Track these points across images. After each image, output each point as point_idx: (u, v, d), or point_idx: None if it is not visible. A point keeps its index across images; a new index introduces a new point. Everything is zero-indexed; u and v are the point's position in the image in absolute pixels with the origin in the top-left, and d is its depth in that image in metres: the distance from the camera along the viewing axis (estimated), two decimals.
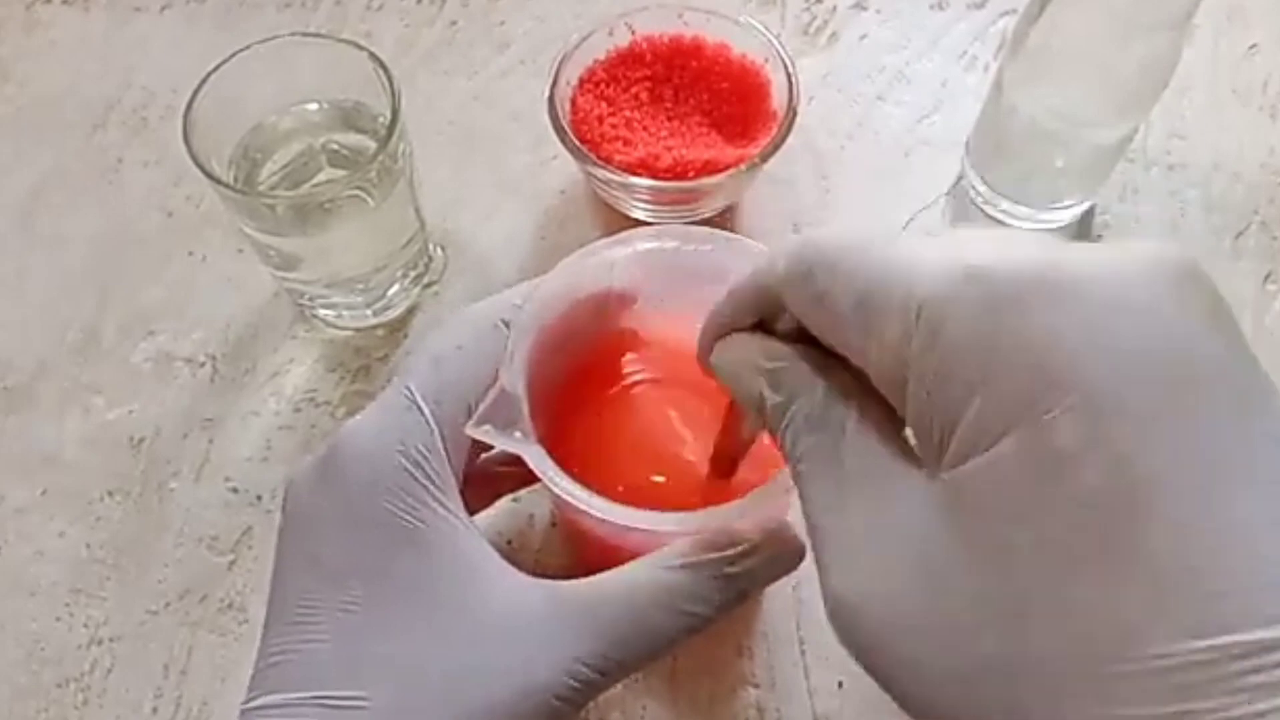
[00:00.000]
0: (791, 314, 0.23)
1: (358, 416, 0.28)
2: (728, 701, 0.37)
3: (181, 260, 0.47)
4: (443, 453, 0.27)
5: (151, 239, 0.48)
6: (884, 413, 0.21)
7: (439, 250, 0.47)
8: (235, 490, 0.41)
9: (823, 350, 0.22)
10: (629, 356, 0.36)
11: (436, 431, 0.27)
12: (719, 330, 0.25)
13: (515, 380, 0.28)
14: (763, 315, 0.24)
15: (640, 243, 0.31)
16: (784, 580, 0.39)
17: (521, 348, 0.29)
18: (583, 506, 0.27)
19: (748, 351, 0.24)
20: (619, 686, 0.37)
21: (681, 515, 0.27)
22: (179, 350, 0.45)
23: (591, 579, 0.27)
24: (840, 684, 0.37)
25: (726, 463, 0.31)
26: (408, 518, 0.26)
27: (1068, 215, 0.46)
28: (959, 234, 0.21)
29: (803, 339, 0.23)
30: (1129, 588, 0.16)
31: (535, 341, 0.30)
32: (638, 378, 0.36)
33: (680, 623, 0.26)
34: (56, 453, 0.43)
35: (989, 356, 0.17)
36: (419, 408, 0.28)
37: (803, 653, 0.38)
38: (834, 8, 0.54)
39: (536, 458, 0.28)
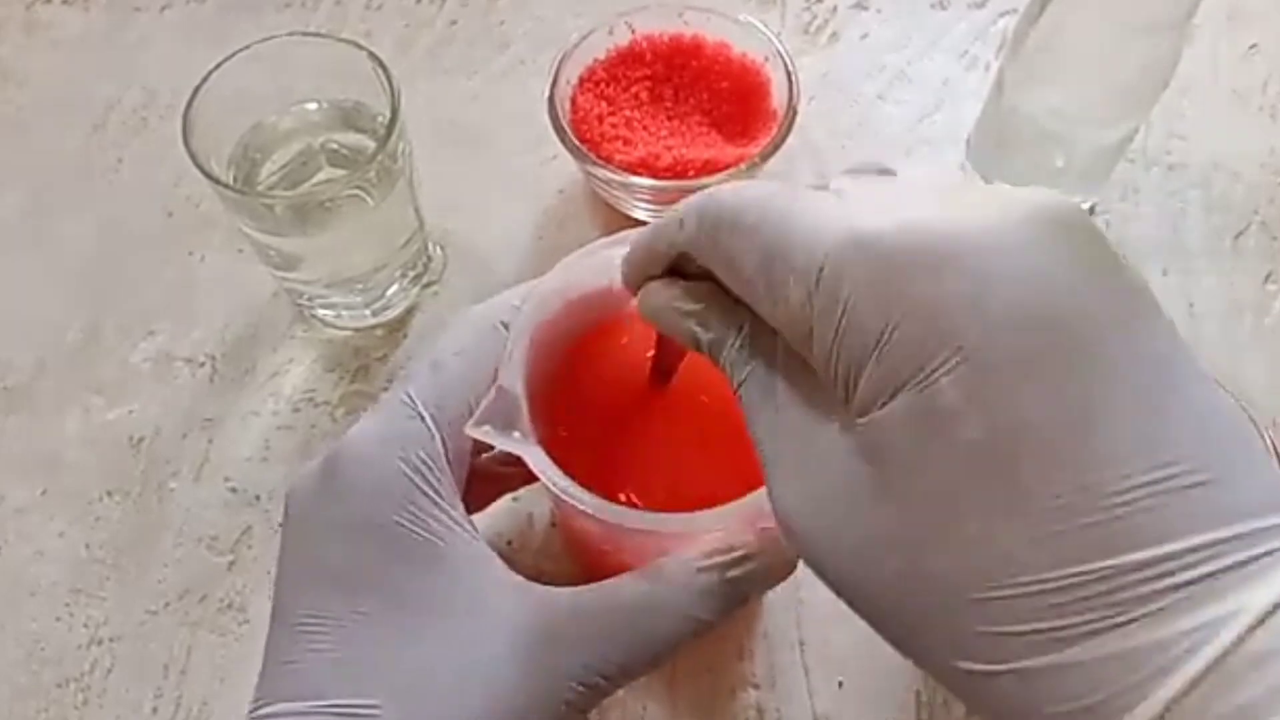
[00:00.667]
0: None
1: (358, 424, 0.28)
2: (728, 702, 0.37)
3: (181, 260, 0.47)
4: (445, 460, 0.27)
5: (151, 239, 0.48)
6: None
7: (438, 250, 0.47)
8: (235, 490, 0.41)
9: None
10: (629, 355, 0.35)
11: (438, 438, 0.27)
12: (637, 278, 0.26)
13: (514, 379, 0.28)
14: (674, 264, 0.25)
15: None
16: (784, 581, 0.39)
17: (520, 347, 0.29)
18: (582, 508, 0.27)
19: (669, 298, 0.25)
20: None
21: (682, 516, 0.27)
22: (178, 350, 0.45)
23: (596, 586, 0.27)
24: (840, 684, 0.37)
25: (663, 374, 0.32)
26: (413, 527, 0.26)
27: None
28: (858, 189, 0.22)
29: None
30: (1008, 523, 0.17)
31: (534, 341, 0.30)
32: (639, 377, 0.35)
33: (684, 628, 0.26)
34: (56, 453, 0.43)
35: (881, 321, 0.19)
36: (420, 415, 0.28)
37: (803, 653, 0.38)
38: (834, 7, 0.54)
39: (535, 458, 0.27)
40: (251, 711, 0.25)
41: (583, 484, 0.27)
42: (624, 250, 0.31)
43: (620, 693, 0.37)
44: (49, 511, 0.41)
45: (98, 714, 0.38)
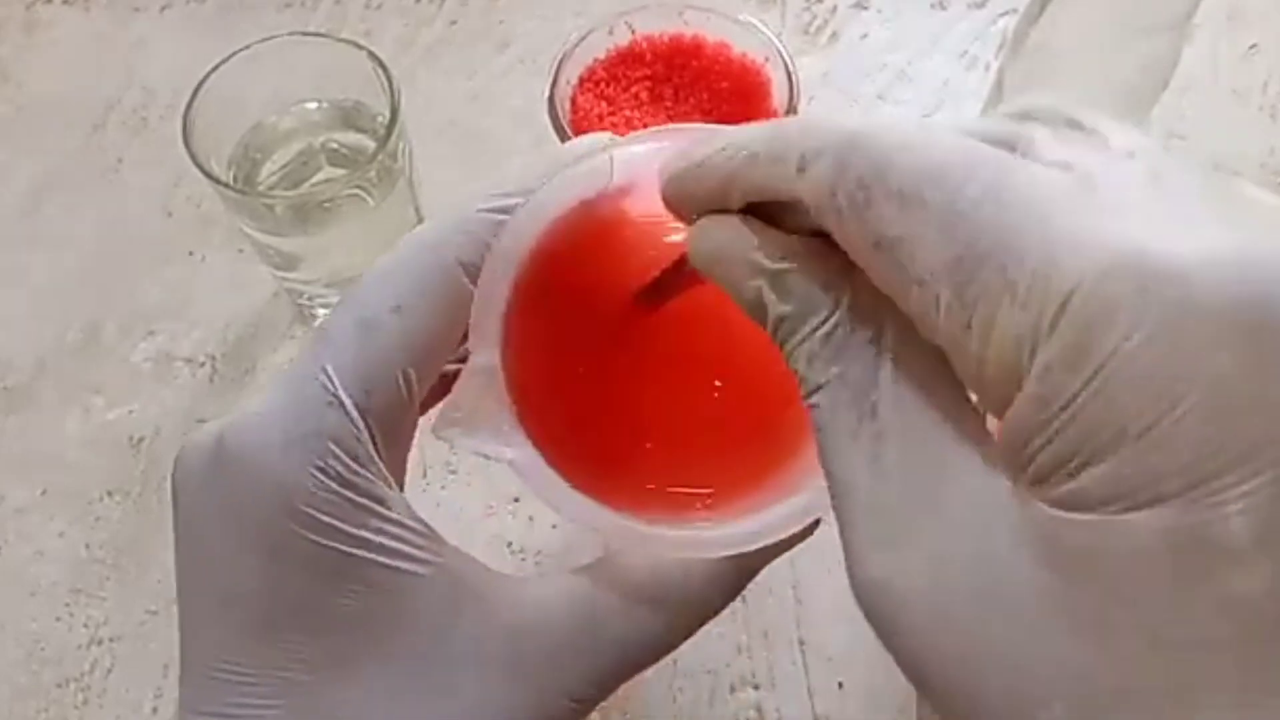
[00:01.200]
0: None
1: (255, 406, 0.22)
2: (728, 701, 0.37)
3: (181, 260, 0.47)
4: (378, 459, 0.21)
5: (151, 239, 0.48)
6: (929, 346, 0.16)
7: None
8: None
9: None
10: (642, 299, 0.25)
11: (367, 434, 0.21)
12: (694, 205, 0.19)
13: (491, 352, 0.21)
14: (756, 202, 0.18)
15: (645, 142, 0.22)
16: (784, 580, 0.39)
17: (497, 304, 0.21)
18: (602, 535, 0.22)
19: (741, 245, 0.18)
20: (621, 688, 0.37)
21: (720, 534, 0.22)
22: (179, 350, 0.45)
23: (579, 587, 0.22)
24: (840, 684, 0.37)
25: (657, 297, 0.23)
26: (343, 550, 0.20)
27: None
28: (1102, 171, 0.15)
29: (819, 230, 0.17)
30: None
31: (514, 291, 0.22)
32: (656, 334, 0.25)
33: (680, 635, 0.23)
34: (56, 453, 0.43)
35: (1159, 396, 0.13)
36: (339, 400, 0.21)
37: (803, 653, 0.38)
38: (834, 7, 0.54)
39: (532, 469, 0.21)
40: None
41: (592, 494, 0.22)
42: (626, 150, 0.22)
43: (621, 691, 0.37)
44: (49, 511, 0.41)
45: (98, 714, 0.37)
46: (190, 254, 0.47)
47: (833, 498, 0.17)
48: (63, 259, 0.47)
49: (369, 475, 0.21)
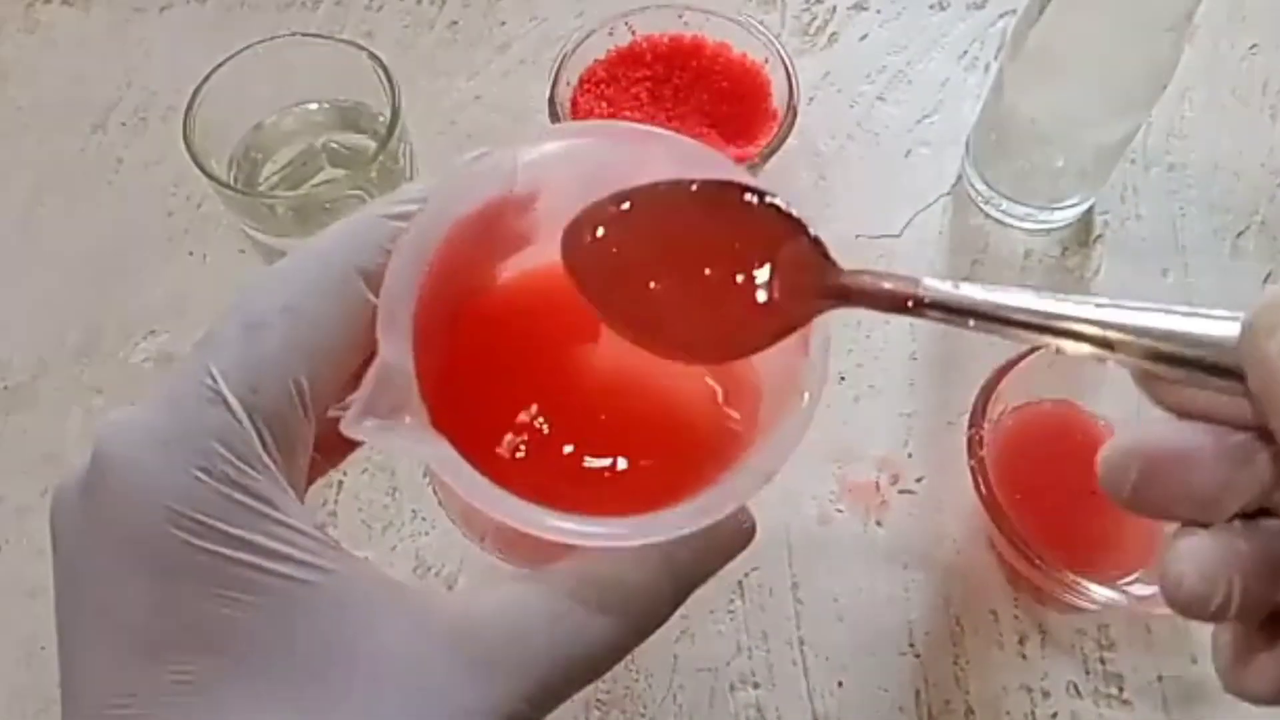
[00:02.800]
0: None
1: (130, 411, 0.20)
2: (728, 700, 0.37)
3: (182, 260, 0.47)
4: (268, 460, 0.20)
5: (152, 239, 0.48)
6: None
7: None
8: None
9: None
10: (547, 289, 0.25)
11: (254, 433, 0.19)
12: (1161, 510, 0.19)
13: (402, 351, 0.20)
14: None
15: (550, 142, 0.23)
16: (784, 581, 0.39)
17: (405, 304, 0.21)
18: (525, 527, 0.20)
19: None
20: (621, 685, 0.37)
21: (642, 520, 0.21)
22: (179, 350, 0.45)
23: (507, 597, 0.21)
24: (840, 684, 0.37)
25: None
26: (230, 555, 0.19)
27: (1068, 215, 0.46)
28: None
29: None
30: None
31: (420, 292, 0.21)
32: (563, 321, 0.25)
33: (631, 639, 0.21)
34: (57, 452, 0.43)
35: None
36: (223, 399, 0.19)
37: (802, 652, 0.38)
38: (834, 8, 0.54)
39: (447, 462, 0.20)
40: None
41: (504, 485, 0.21)
42: (530, 152, 0.23)
43: (620, 690, 0.37)
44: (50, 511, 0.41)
45: None
46: (191, 254, 0.47)
47: None
48: (63, 259, 0.48)
49: (256, 475, 0.19)
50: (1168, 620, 0.38)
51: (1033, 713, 0.36)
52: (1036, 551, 0.35)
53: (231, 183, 0.39)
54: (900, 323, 0.45)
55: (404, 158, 0.40)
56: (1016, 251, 0.46)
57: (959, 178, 0.48)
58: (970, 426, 0.37)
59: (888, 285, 0.21)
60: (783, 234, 0.22)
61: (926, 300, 0.21)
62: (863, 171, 0.49)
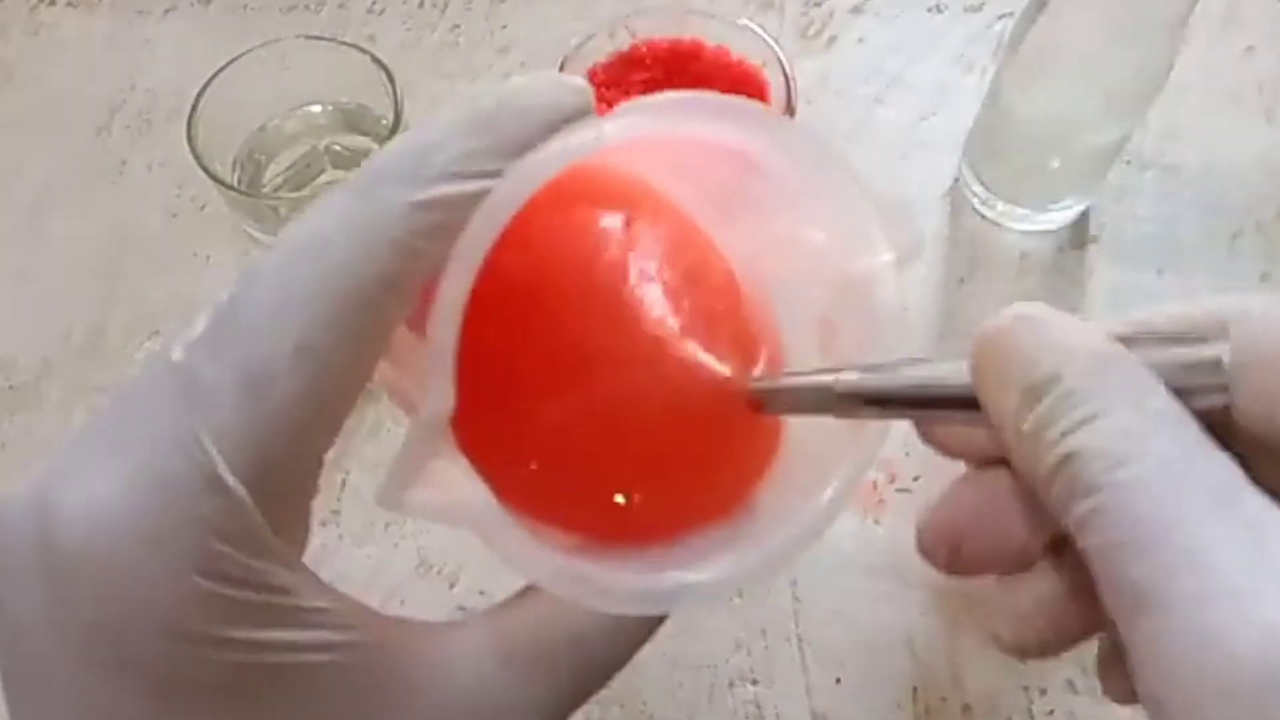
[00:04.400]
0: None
1: (95, 482, 0.16)
2: (726, 697, 0.37)
3: (186, 261, 0.48)
4: (277, 544, 0.16)
5: (156, 240, 0.48)
6: None
7: None
8: None
9: None
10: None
11: (261, 519, 0.16)
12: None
13: (448, 394, 0.16)
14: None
15: (628, 116, 0.19)
16: (783, 578, 0.39)
17: (454, 329, 0.16)
18: (574, 599, 0.18)
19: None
20: (620, 682, 0.37)
21: (704, 574, 0.19)
22: None
23: (527, 627, 0.19)
24: (838, 680, 0.37)
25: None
26: (244, 662, 0.16)
27: (1064, 216, 0.47)
28: None
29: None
30: None
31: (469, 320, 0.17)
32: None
33: (634, 648, 0.21)
34: None
35: None
36: (224, 485, 0.16)
37: (801, 650, 0.38)
38: (832, 11, 0.55)
39: (497, 529, 0.17)
40: None
41: (524, 480, 0.19)
42: (614, 125, 0.18)
43: (620, 689, 0.37)
44: None
45: None
46: (195, 255, 0.48)
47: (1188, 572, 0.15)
48: (68, 260, 0.48)
49: (264, 566, 0.16)
50: None
51: (1030, 710, 0.37)
52: None
53: (235, 184, 0.39)
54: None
55: None
56: (1013, 253, 0.47)
57: (956, 179, 0.48)
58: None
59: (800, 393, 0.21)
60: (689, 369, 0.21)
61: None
62: (861, 173, 0.49)
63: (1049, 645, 0.18)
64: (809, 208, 0.22)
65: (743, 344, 0.22)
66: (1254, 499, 0.15)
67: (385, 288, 0.16)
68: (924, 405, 0.19)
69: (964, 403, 0.18)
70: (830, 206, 0.22)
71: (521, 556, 0.17)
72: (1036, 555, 0.19)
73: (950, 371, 0.18)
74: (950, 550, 0.20)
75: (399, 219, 0.16)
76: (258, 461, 0.16)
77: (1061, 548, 0.19)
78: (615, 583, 0.18)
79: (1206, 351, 0.16)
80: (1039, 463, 0.16)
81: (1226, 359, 0.16)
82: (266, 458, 0.16)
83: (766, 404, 0.21)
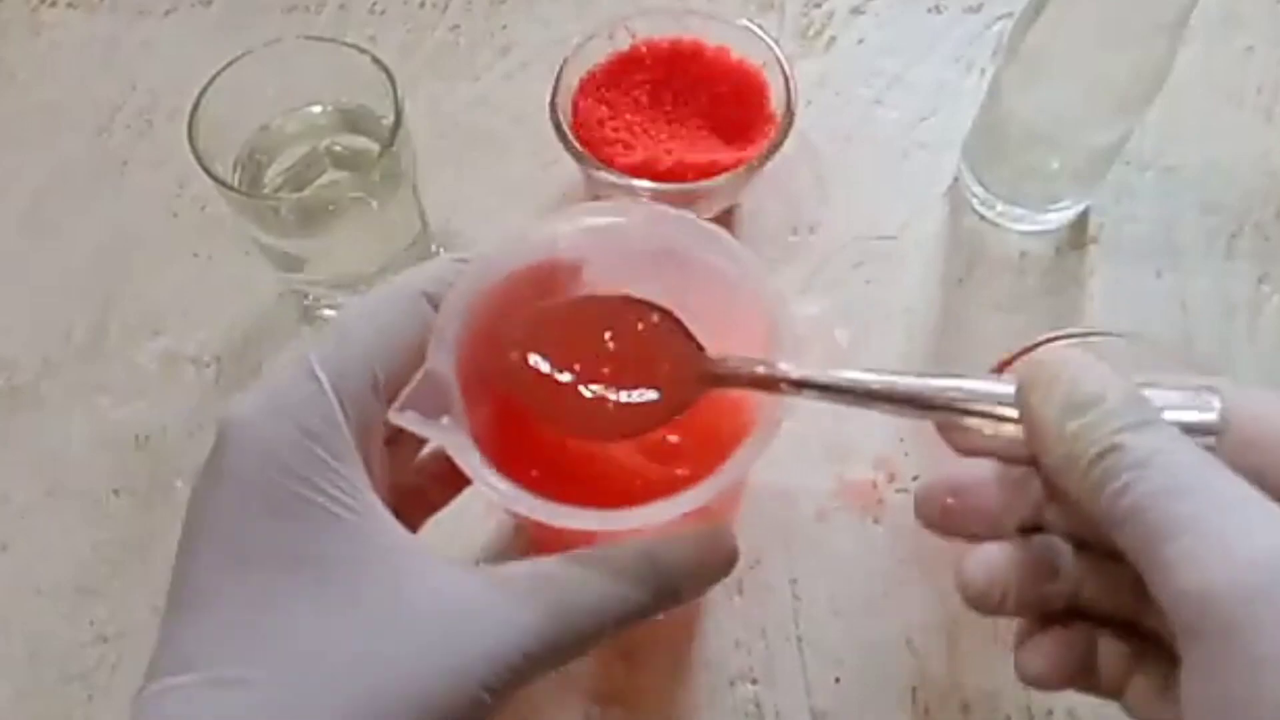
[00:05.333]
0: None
1: (249, 390, 0.26)
2: (726, 696, 0.37)
3: (187, 261, 0.48)
4: (345, 428, 0.25)
5: (157, 240, 0.48)
6: None
7: (441, 252, 0.47)
8: None
9: None
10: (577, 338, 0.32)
11: (336, 403, 0.25)
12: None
13: (444, 360, 0.26)
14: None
15: (587, 218, 0.30)
16: (782, 577, 0.39)
17: (453, 326, 0.26)
18: (509, 505, 0.25)
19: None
20: (621, 681, 0.37)
21: (620, 513, 0.25)
22: (184, 350, 0.45)
23: (526, 562, 0.25)
24: (837, 679, 0.38)
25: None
26: (307, 494, 0.24)
27: (1063, 217, 0.47)
28: None
29: None
30: None
31: (471, 322, 0.27)
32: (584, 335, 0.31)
33: (612, 606, 0.25)
34: (62, 452, 0.43)
35: None
36: (317, 378, 0.25)
37: (800, 649, 0.38)
38: (832, 12, 0.55)
39: (461, 449, 0.25)
40: (140, 691, 0.24)
41: (518, 481, 0.26)
42: (569, 225, 0.29)
43: (621, 686, 0.37)
44: (55, 510, 0.42)
45: (103, 711, 0.38)
46: (195, 255, 0.48)
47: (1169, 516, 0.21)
48: (69, 260, 0.48)
49: (338, 441, 0.25)
50: None
51: (1029, 708, 0.37)
52: None
53: (236, 185, 0.40)
54: (896, 322, 0.45)
55: (407, 160, 0.40)
56: (1012, 253, 0.47)
57: (955, 180, 0.49)
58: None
59: (748, 371, 0.27)
60: (668, 336, 0.28)
61: (790, 381, 0.26)
62: (860, 174, 0.49)
63: (1007, 599, 0.25)
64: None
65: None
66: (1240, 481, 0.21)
67: (423, 294, 0.27)
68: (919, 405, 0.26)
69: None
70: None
71: (478, 471, 0.25)
72: (1005, 533, 0.26)
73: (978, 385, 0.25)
74: (942, 511, 0.26)
75: (443, 263, 0.29)
76: (338, 375, 0.25)
77: (1028, 532, 0.26)
78: (550, 506, 0.25)
79: (1205, 415, 0.23)
80: (1080, 455, 0.22)
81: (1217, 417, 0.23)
82: (344, 376, 0.25)
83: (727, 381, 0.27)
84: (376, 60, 0.39)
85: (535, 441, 0.30)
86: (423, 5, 0.55)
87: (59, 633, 0.39)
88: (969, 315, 0.45)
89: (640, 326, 0.28)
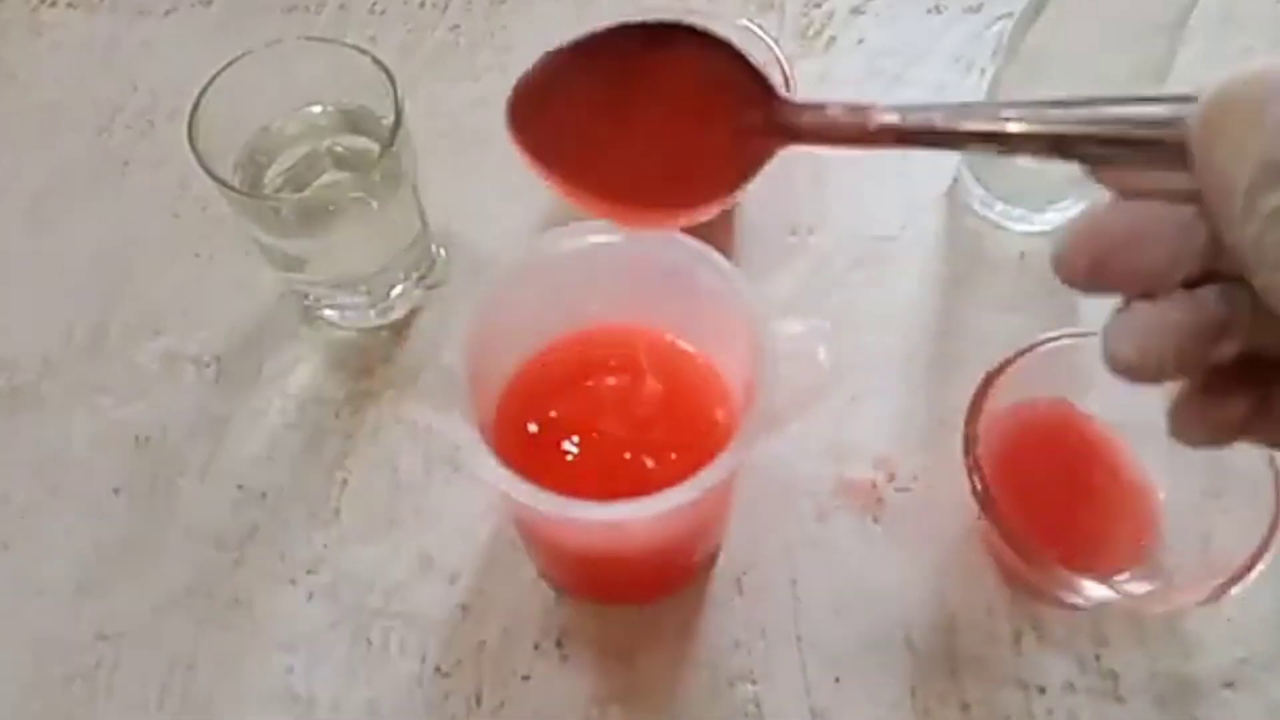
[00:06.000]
0: None
1: None
2: (726, 696, 0.37)
3: (187, 261, 0.48)
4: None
5: (157, 241, 0.48)
6: None
7: (442, 252, 0.47)
8: (241, 488, 0.42)
9: None
10: (584, 346, 0.36)
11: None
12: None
13: (458, 359, 0.29)
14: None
15: (593, 236, 0.32)
16: (782, 577, 0.39)
17: (467, 329, 0.29)
18: (515, 496, 0.27)
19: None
20: (620, 681, 0.38)
21: (615, 505, 0.27)
22: (185, 350, 0.45)
23: None
24: (837, 679, 0.38)
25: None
26: None
27: (1064, 217, 0.47)
28: None
29: None
30: None
31: (484, 328, 0.30)
32: (592, 368, 0.36)
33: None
34: (63, 451, 0.43)
35: None
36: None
37: (800, 649, 0.38)
38: (831, 12, 0.55)
39: (467, 439, 0.28)
40: None
41: (526, 477, 0.27)
42: (576, 242, 0.31)
43: (620, 687, 0.37)
44: (56, 510, 0.42)
45: (104, 709, 0.38)
46: (196, 255, 0.48)
47: None
48: (69, 260, 0.48)
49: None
50: (1162, 617, 0.38)
51: (1028, 709, 0.37)
52: (1032, 549, 0.35)
53: (236, 185, 0.40)
54: (897, 322, 0.45)
55: (407, 161, 0.40)
56: (1012, 253, 0.47)
57: (955, 180, 0.49)
58: (966, 425, 0.37)
59: (838, 116, 0.21)
60: (729, 75, 0.22)
61: (880, 128, 0.21)
62: (860, 174, 0.50)
63: (1165, 367, 0.19)
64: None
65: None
66: None
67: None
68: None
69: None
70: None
71: (482, 462, 0.27)
72: (1170, 287, 0.19)
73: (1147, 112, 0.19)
74: (1094, 262, 0.20)
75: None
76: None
77: (1199, 282, 0.19)
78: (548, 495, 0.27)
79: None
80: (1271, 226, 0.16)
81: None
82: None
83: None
84: (377, 61, 0.39)
85: (537, 439, 0.31)
86: (423, 5, 0.55)
87: (60, 633, 0.39)
88: (969, 315, 0.45)
89: (694, 65, 0.22)
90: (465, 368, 0.29)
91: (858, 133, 0.21)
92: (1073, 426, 0.40)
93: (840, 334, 0.44)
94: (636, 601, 0.39)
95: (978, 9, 0.55)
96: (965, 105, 0.20)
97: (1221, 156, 0.17)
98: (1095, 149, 0.19)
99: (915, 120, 0.21)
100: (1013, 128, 0.20)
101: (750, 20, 0.47)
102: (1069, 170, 0.46)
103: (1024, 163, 0.45)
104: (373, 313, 0.45)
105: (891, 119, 0.21)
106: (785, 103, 0.22)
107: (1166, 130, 0.18)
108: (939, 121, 0.20)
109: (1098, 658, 0.38)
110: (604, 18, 0.48)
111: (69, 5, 0.56)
